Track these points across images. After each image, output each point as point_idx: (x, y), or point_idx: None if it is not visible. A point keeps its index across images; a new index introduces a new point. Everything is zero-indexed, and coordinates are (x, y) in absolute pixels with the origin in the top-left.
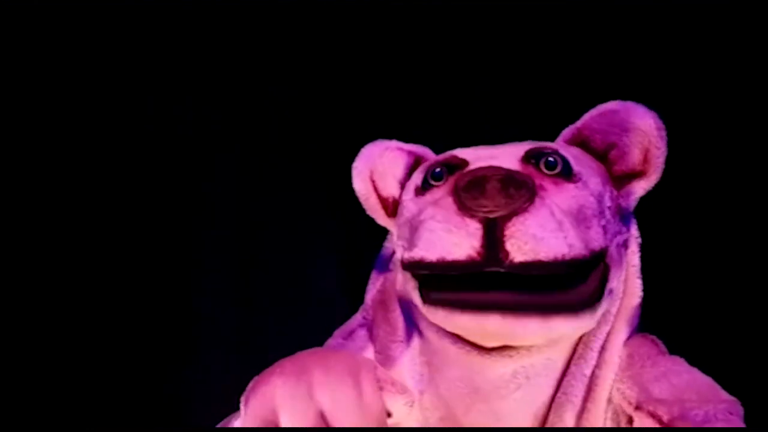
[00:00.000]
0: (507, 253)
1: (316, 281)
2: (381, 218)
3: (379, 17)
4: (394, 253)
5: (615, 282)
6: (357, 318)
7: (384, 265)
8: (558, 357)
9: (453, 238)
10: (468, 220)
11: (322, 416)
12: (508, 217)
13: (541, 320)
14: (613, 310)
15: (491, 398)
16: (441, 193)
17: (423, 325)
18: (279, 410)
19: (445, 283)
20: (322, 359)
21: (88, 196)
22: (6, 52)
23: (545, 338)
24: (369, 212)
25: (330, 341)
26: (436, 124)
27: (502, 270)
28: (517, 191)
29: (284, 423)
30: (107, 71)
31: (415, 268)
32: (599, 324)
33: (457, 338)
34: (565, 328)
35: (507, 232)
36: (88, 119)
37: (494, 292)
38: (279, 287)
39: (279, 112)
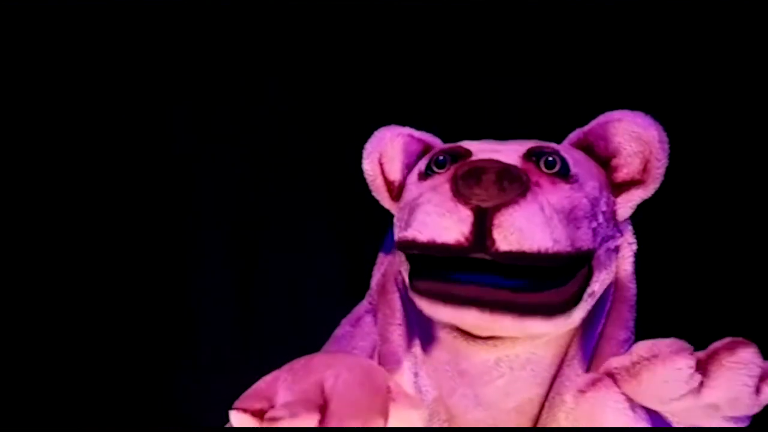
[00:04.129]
0: (493, 241)
1: (316, 279)
2: (385, 200)
3: (383, 14)
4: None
5: (597, 286)
6: (363, 304)
7: (388, 249)
8: (543, 354)
9: (444, 221)
10: (461, 207)
11: (322, 391)
12: (498, 208)
13: (515, 319)
14: (603, 312)
15: (475, 383)
16: (441, 179)
17: (416, 308)
18: (279, 375)
19: (432, 270)
20: (337, 357)
21: (88, 197)
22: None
23: (520, 335)
24: (374, 193)
25: (337, 330)
26: (440, 120)
27: (487, 258)
28: (510, 184)
29: (284, 382)
30: (106, 71)
31: (407, 248)
32: (589, 326)
33: (446, 323)
34: (539, 328)
35: (495, 222)
36: (89, 119)
37: (475, 287)
38: (279, 286)
39: (278, 110)
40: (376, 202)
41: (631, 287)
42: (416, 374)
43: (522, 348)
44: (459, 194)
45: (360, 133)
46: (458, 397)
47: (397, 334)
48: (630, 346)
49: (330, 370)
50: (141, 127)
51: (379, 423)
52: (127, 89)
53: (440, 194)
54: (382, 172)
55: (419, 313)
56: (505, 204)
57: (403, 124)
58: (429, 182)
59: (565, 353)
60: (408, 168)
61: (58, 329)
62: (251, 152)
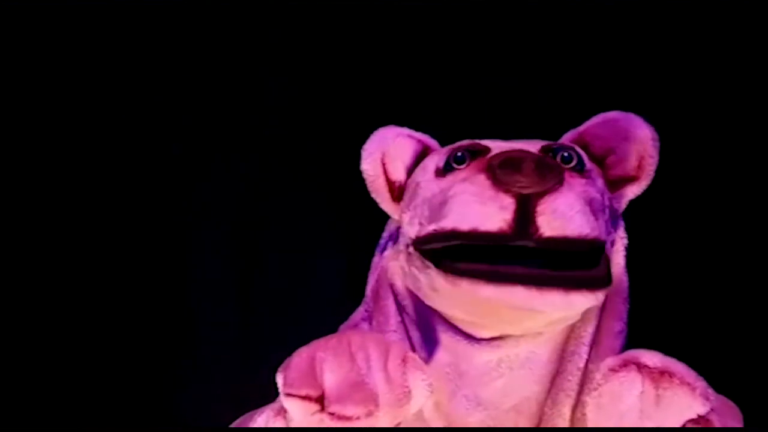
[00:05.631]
0: (537, 228)
1: (316, 280)
2: (385, 201)
3: (382, 14)
4: (389, 242)
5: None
6: (360, 311)
7: (381, 254)
8: (542, 352)
9: (486, 209)
10: (502, 195)
11: (354, 360)
12: (540, 195)
13: (562, 294)
14: (599, 305)
15: (475, 384)
16: (466, 173)
17: (414, 313)
18: (315, 354)
19: (468, 256)
20: (360, 331)
21: (88, 197)
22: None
23: (565, 312)
24: (374, 194)
25: None
26: (439, 120)
27: (529, 245)
28: (550, 172)
29: (326, 363)
30: (106, 72)
31: (442, 239)
32: (587, 320)
33: (449, 326)
34: (583, 303)
35: (539, 209)
36: (89, 120)
37: (519, 266)
38: (279, 286)
39: (279, 110)
40: (376, 202)
41: (624, 279)
42: None
43: (525, 347)
44: (499, 182)
45: (361, 132)
46: (459, 399)
47: (392, 340)
48: (624, 338)
49: (361, 352)
50: (141, 127)
51: (407, 393)
52: (127, 89)
53: (476, 184)
54: (384, 172)
55: (417, 317)
56: (547, 191)
57: (401, 124)
58: (450, 177)
59: (563, 349)
60: (407, 168)
61: (59, 329)
62: (251, 152)
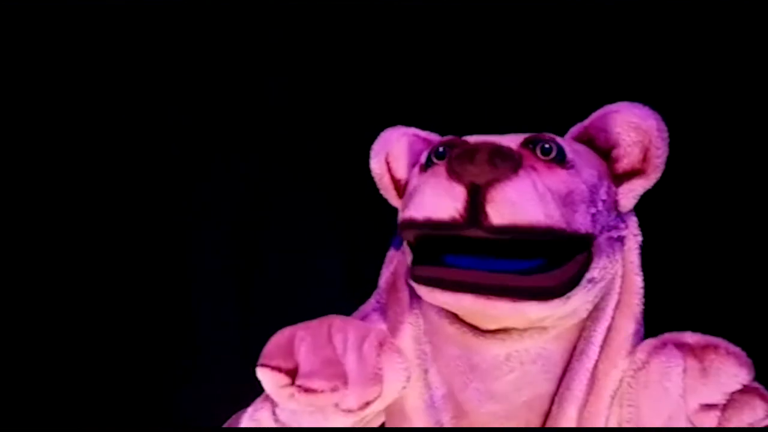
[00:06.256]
0: (486, 216)
1: (316, 280)
2: (392, 198)
3: (381, 15)
4: None
5: (597, 272)
6: (371, 302)
7: (398, 247)
8: (554, 349)
9: (439, 199)
10: (455, 185)
11: (331, 341)
12: (490, 183)
13: (511, 303)
14: (611, 304)
15: (486, 378)
16: (437, 167)
17: (425, 305)
18: (296, 332)
19: (431, 256)
20: (344, 318)
21: (88, 197)
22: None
23: (517, 319)
24: (382, 191)
25: None
26: (440, 121)
27: (482, 235)
28: (502, 161)
29: (304, 341)
30: (106, 72)
31: (405, 228)
32: (597, 319)
33: (455, 318)
34: (535, 312)
35: (488, 197)
36: (89, 120)
37: (471, 272)
38: (279, 286)
39: (279, 110)
40: (376, 202)
41: (638, 279)
42: (426, 371)
43: (531, 342)
44: (453, 173)
45: (360, 133)
46: (471, 391)
47: (406, 331)
48: (639, 340)
49: (340, 334)
50: (141, 128)
51: (378, 375)
52: (127, 89)
53: (436, 176)
54: (389, 171)
55: (427, 309)
56: (498, 179)
57: (401, 124)
58: (428, 172)
59: (574, 348)
60: (413, 166)
61: (59, 329)
62: (251, 152)
